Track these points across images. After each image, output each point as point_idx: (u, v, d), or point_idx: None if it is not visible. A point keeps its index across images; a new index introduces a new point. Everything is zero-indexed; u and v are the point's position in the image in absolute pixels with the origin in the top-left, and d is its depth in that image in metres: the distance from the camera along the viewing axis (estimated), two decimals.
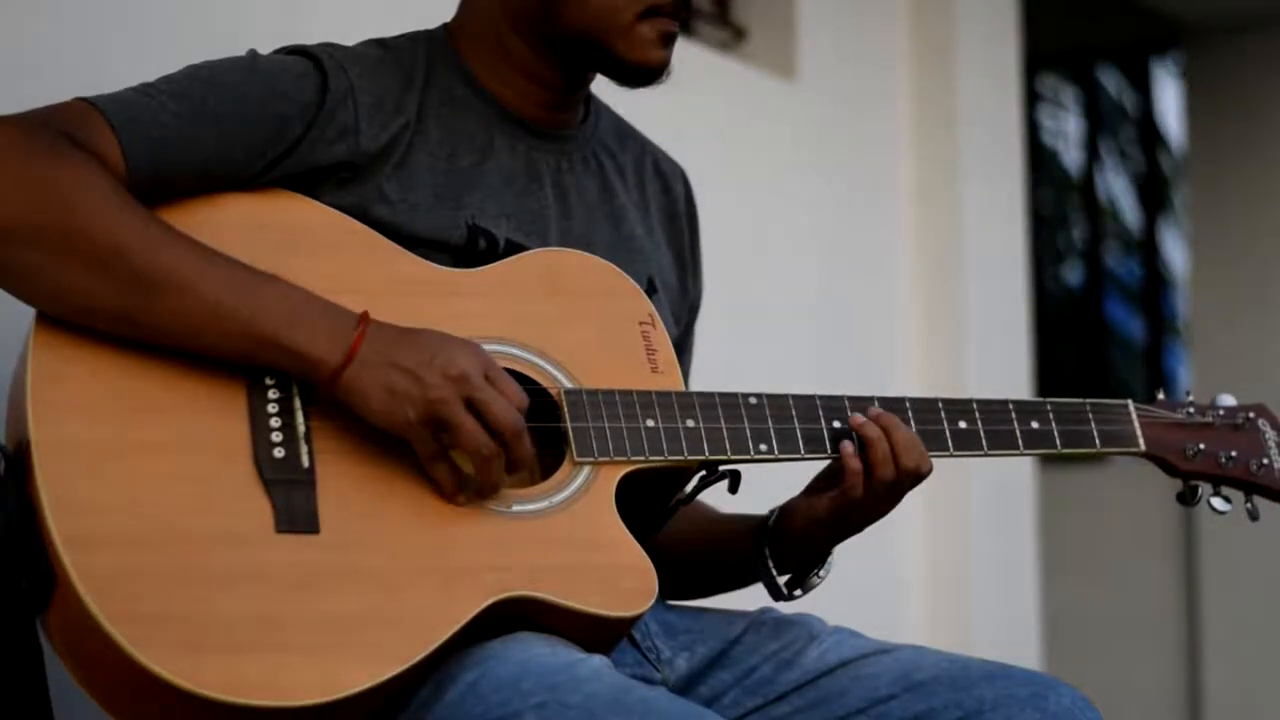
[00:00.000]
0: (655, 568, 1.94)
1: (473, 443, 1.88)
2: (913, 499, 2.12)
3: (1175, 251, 8.88)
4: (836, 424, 2.08)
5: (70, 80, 2.12)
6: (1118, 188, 9.65)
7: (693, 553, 2.23)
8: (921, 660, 2.08)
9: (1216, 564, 6.88)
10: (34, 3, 2.49)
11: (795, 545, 2.14)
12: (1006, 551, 4.79)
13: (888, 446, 2.05)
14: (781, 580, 2.15)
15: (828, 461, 2.10)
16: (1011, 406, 2.16)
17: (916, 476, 2.07)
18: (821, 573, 2.15)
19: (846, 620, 2.19)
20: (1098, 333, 9.20)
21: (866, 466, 2.05)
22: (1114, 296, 9.54)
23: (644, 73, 2.12)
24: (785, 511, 2.15)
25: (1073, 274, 9.74)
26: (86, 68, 2.45)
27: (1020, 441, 2.15)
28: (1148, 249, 9.04)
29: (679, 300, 2.28)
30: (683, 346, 2.28)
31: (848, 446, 2.05)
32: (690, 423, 2.03)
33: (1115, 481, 7.27)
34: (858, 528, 2.12)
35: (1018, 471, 4.81)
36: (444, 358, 1.88)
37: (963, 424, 2.13)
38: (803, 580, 2.16)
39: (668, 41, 2.11)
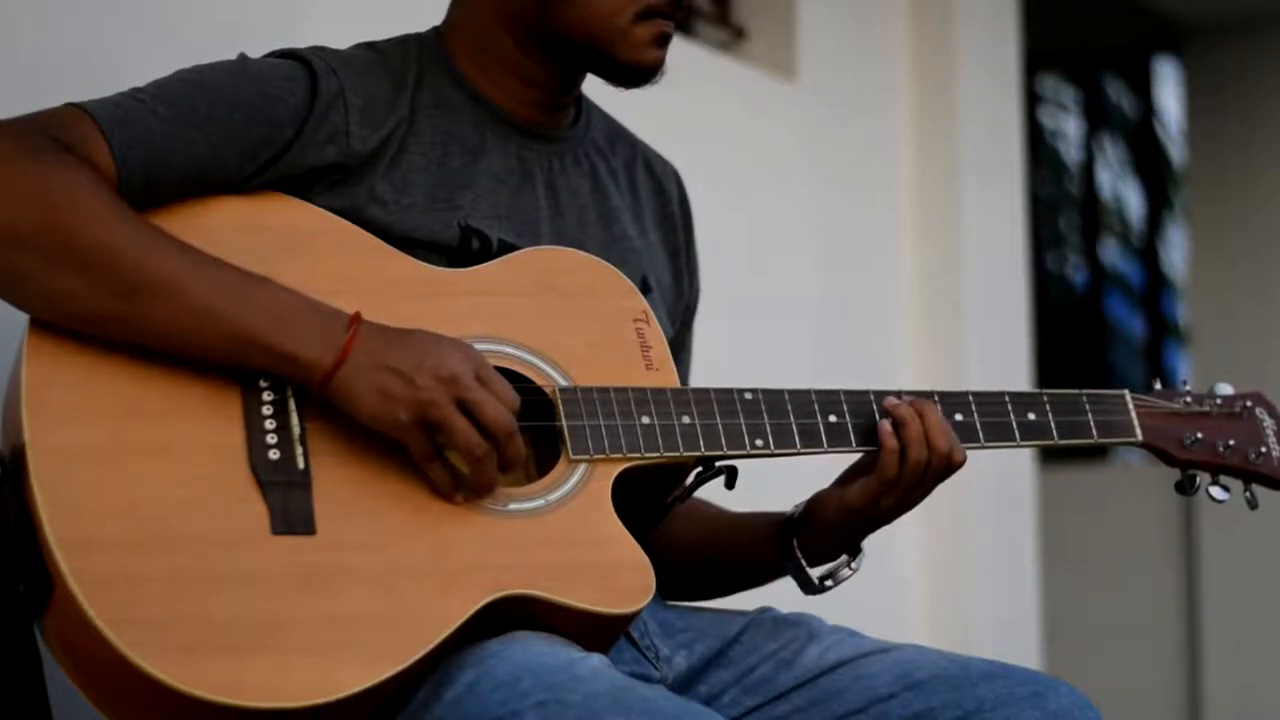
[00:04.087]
0: (669, 571, 1.94)
1: (465, 443, 1.87)
2: None
3: (1176, 251, 8.87)
4: (832, 418, 2.08)
5: (69, 81, 2.12)
6: (1119, 187, 9.65)
7: (709, 553, 2.23)
8: (921, 659, 2.08)
9: (1216, 564, 6.88)
10: (34, 3, 2.49)
11: (826, 536, 2.13)
12: (1006, 551, 4.79)
13: (920, 427, 2.05)
14: (815, 573, 2.15)
15: (824, 456, 2.10)
16: (1008, 398, 2.16)
17: (948, 461, 2.07)
18: (854, 564, 2.15)
19: (846, 620, 2.19)
20: (1098, 332, 9.20)
21: (901, 446, 2.05)
22: (1115, 296, 9.54)
23: (639, 73, 2.12)
24: (815, 502, 2.14)
25: (1073, 273, 9.73)
26: (86, 68, 2.45)
27: (1017, 433, 2.15)
28: (1149, 248, 9.03)
29: (674, 300, 2.27)
30: (681, 346, 2.28)
31: (885, 426, 2.05)
32: (686, 419, 2.02)
33: (1115, 481, 7.27)
34: (891, 516, 2.11)
35: (1018, 470, 4.80)
36: (435, 359, 1.88)
37: (959, 416, 2.13)
38: (834, 572, 2.15)
39: (663, 42, 2.11)
